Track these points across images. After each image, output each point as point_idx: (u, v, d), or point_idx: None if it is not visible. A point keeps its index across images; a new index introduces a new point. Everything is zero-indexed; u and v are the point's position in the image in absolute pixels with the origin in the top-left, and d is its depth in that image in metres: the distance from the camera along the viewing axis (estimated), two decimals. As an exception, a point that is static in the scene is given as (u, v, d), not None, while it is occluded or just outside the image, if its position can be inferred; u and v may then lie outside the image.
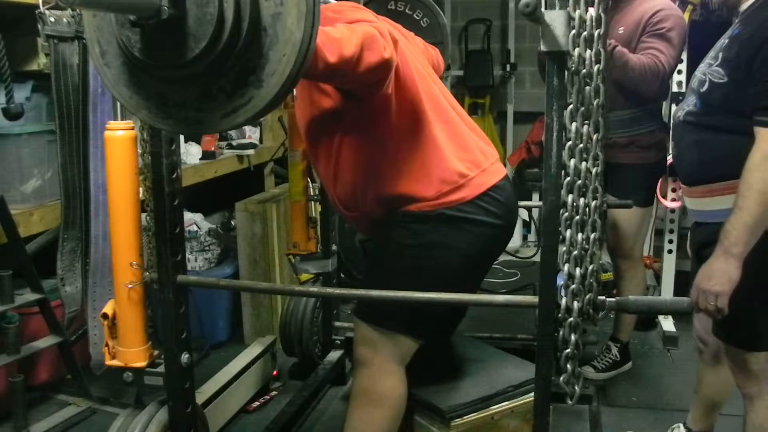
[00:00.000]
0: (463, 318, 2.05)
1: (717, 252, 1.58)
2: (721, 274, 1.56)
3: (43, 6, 2.09)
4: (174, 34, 1.03)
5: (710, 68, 1.68)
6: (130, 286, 1.70)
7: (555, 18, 1.19)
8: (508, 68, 5.51)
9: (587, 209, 1.31)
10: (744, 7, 1.71)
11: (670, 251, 3.37)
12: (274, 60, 1.03)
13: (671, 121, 1.88)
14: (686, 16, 2.97)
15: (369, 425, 1.75)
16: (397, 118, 1.64)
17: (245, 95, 1.06)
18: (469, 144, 1.75)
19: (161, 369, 1.72)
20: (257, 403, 2.67)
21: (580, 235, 1.30)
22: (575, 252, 1.30)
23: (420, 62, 1.77)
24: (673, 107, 3.14)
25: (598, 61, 1.26)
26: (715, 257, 1.58)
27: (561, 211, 1.28)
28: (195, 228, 3.21)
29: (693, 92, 1.76)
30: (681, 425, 2.24)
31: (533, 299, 1.39)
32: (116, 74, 1.15)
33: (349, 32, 1.35)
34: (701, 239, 1.80)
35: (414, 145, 1.66)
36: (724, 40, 1.70)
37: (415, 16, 2.29)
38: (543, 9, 1.18)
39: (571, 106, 1.24)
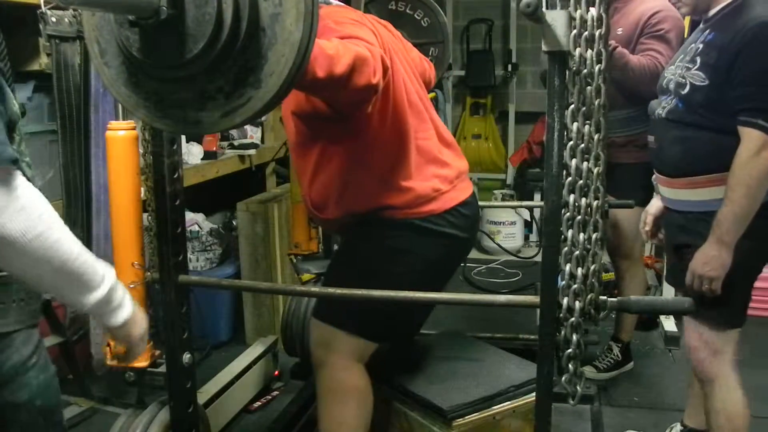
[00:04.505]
0: (421, 325, 2.08)
1: (711, 240, 1.74)
2: (715, 260, 1.73)
3: (44, 6, 2.09)
4: (172, 35, 1.03)
5: (689, 72, 1.79)
6: (131, 286, 1.70)
7: (556, 18, 1.19)
8: (509, 68, 5.51)
9: (589, 209, 1.31)
10: (712, 12, 1.82)
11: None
12: (273, 60, 1.03)
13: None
14: (687, 17, 2.96)
15: (339, 422, 1.81)
16: (380, 133, 1.69)
17: (244, 96, 1.06)
18: (445, 160, 1.82)
19: (163, 369, 1.72)
20: (259, 403, 2.68)
21: (581, 235, 1.30)
22: (577, 252, 1.30)
23: (412, 76, 1.81)
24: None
25: (599, 61, 1.26)
26: (709, 245, 1.75)
27: (563, 211, 1.28)
28: (196, 228, 3.21)
29: (667, 93, 1.87)
30: (678, 424, 2.25)
31: (535, 299, 1.39)
32: (115, 73, 1.15)
33: (343, 50, 1.36)
34: (676, 225, 1.92)
35: (393, 159, 1.73)
36: (698, 45, 1.80)
37: (415, 15, 2.30)
38: (544, 9, 1.18)
39: (572, 106, 1.24)
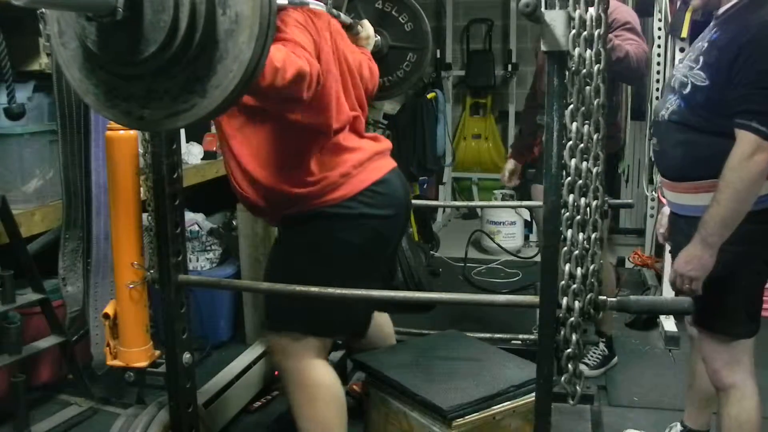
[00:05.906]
0: (372, 313, 2.10)
1: (695, 240, 1.73)
2: (697, 260, 1.73)
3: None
4: (127, 34, 1.04)
5: (692, 71, 1.77)
6: (131, 286, 1.70)
7: (555, 18, 1.19)
8: (509, 68, 5.51)
9: (588, 209, 1.31)
10: (721, 10, 1.80)
11: (671, 251, 3.36)
12: (221, 74, 1.04)
13: (652, 118, 2.00)
14: (687, 16, 2.97)
15: (314, 420, 1.86)
16: (297, 126, 1.74)
17: (189, 101, 1.07)
18: (357, 146, 1.85)
19: (163, 369, 1.72)
20: (259, 403, 2.67)
21: (581, 235, 1.30)
22: (576, 252, 1.30)
23: (342, 82, 1.84)
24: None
25: (598, 61, 1.26)
26: (693, 245, 1.74)
27: (562, 211, 1.28)
28: (196, 228, 3.21)
29: (674, 92, 1.84)
30: (678, 424, 2.24)
31: (535, 299, 1.39)
32: (71, 56, 1.16)
33: (289, 63, 1.43)
34: (681, 230, 1.89)
35: (304, 151, 1.77)
36: (703, 44, 1.79)
37: (400, 19, 2.30)
38: (543, 9, 1.18)
39: (571, 105, 1.24)
